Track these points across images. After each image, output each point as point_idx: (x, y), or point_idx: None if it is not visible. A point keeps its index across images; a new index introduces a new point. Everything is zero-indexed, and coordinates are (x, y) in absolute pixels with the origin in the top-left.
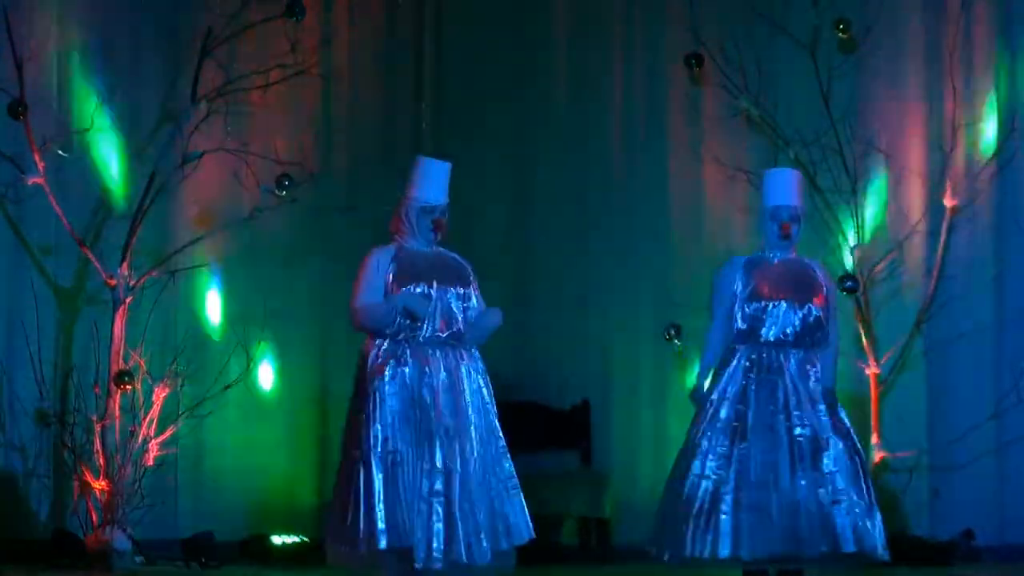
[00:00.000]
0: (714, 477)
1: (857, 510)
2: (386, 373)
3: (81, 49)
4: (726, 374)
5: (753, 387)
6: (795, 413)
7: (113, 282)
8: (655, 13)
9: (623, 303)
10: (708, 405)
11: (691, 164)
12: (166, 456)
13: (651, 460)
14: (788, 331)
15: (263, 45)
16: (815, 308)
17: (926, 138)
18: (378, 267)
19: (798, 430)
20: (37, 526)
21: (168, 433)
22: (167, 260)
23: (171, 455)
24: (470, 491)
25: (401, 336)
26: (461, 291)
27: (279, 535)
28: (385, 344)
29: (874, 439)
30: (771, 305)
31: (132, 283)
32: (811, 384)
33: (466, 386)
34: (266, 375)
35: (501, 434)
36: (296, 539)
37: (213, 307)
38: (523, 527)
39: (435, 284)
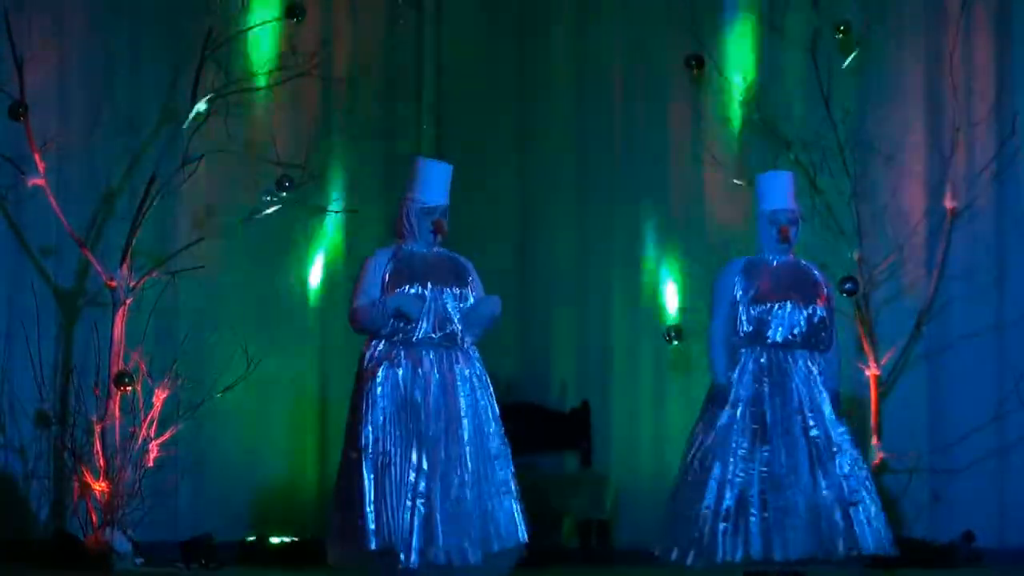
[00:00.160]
0: (739, 479)
1: (873, 510)
2: (379, 374)
3: (81, 50)
4: (733, 377)
5: (767, 390)
6: (809, 415)
7: (113, 283)
8: (655, 15)
9: (623, 304)
10: (720, 408)
11: (691, 166)
12: (166, 457)
13: (651, 461)
14: (795, 332)
15: (264, 46)
16: (819, 308)
17: (926, 140)
18: (376, 269)
19: (813, 431)
20: (37, 527)
21: (168, 434)
22: (167, 261)
23: (171, 456)
24: (454, 493)
25: (396, 337)
26: (457, 291)
27: (279, 536)
28: (380, 345)
29: (874, 441)
30: (776, 306)
31: (132, 284)
32: (818, 385)
33: (459, 388)
34: (266, 376)
35: (501, 438)
36: (296, 540)
37: (213, 308)
38: (514, 530)
39: (429, 285)
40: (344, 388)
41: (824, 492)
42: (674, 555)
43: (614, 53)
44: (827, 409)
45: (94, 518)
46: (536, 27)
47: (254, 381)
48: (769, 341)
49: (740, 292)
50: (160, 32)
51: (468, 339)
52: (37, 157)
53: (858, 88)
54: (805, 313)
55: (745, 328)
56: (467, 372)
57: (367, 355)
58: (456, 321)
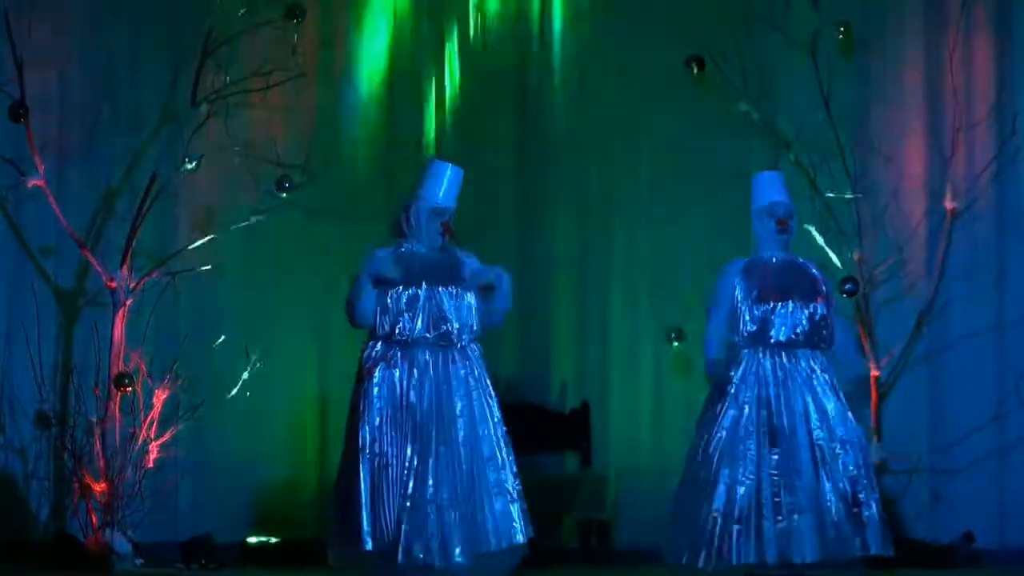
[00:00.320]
0: (748, 482)
1: (876, 509)
2: (375, 375)
3: (81, 50)
4: (736, 378)
5: (772, 392)
6: (813, 417)
7: (113, 284)
8: (655, 15)
9: (623, 304)
10: (725, 410)
11: (691, 167)
12: (166, 458)
13: (651, 461)
14: (798, 331)
15: (263, 47)
16: (820, 306)
17: (926, 140)
18: (375, 267)
19: (817, 433)
20: (37, 528)
21: (168, 435)
22: (167, 262)
23: (171, 457)
24: (446, 494)
25: (393, 338)
26: (454, 290)
27: (279, 536)
28: (378, 346)
29: (874, 441)
30: (779, 306)
31: (132, 285)
32: (820, 384)
33: (454, 389)
34: (266, 377)
35: (497, 439)
36: (296, 540)
37: (213, 309)
38: (509, 531)
39: (424, 285)
40: (344, 388)
41: (829, 496)
42: (685, 558)
43: (615, 53)
44: (831, 407)
45: (94, 519)
46: (536, 27)
47: (254, 382)
48: (772, 341)
49: (741, 293)
50: (160, 32)
51: (466, 337)
52: (37, 158)
53: (858, 88)
54: (807, 312)
55: (748, 328)
56: (463, 372)
57: (365, 355)
58: (451, 321)
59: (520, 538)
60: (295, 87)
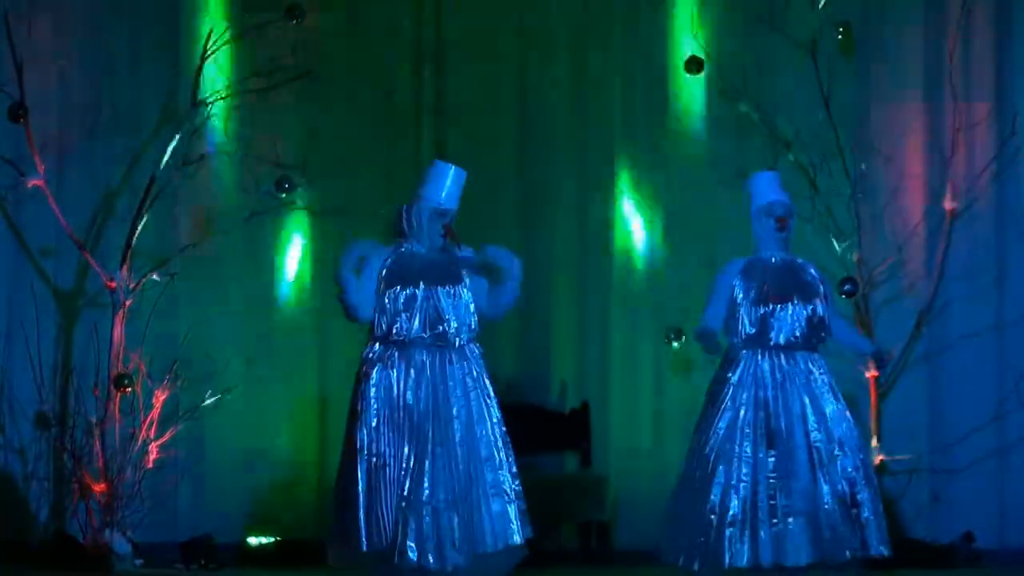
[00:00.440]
0: (744, 484)
1: (875, 509)
2: (373, 376)
3: (81, 50)
4: (733, 380)
5: (770, 394)
6: (811, 418)
7: (113, 284)
8: (655, 15)
9: (623, 305)
10: (722, 411)
11: (691, 167)
12: (166, 458)
13: (651, 462)
14: (797, 333)
15: (263, 48)
16: (819, 306)
17: (926, 140)
18: (373, 266)
19: (815, 435)
20: (37, 529)
21: (168, 435)
22: (167, 262)
23: (171, 457)
24: (442, 495)
25: (391, 338)
26: (451, 289)
27: (279, 537)
28: (376, 347)
29: (874, 442)
30: (778, 308)
31: (132, 286)
32: (819, 386)
33: (450, 390)
34: (266, 377)
35: (495, 440)
36: (296, 540)
37: (213, 309)
38: (504, 531)
39: (422, 285)
40: (344, 388)
41: (826, 498)
42: (681, 560)
43: (614, 53)
44: (829, 409)
45: (94, 519)
46: (536, 28)
47: (253, 382)
48: (771, 343)
49: (740, 294)
50: (160, 32)
51: (465, 336)
52: (37, 158)
53: (858, 88)
54: (806, 313)
55: (747, 330)
56: (460, 373)
57: (363, 356)
58: (449, 321)
59: (517, 539)
60: (295, 87)
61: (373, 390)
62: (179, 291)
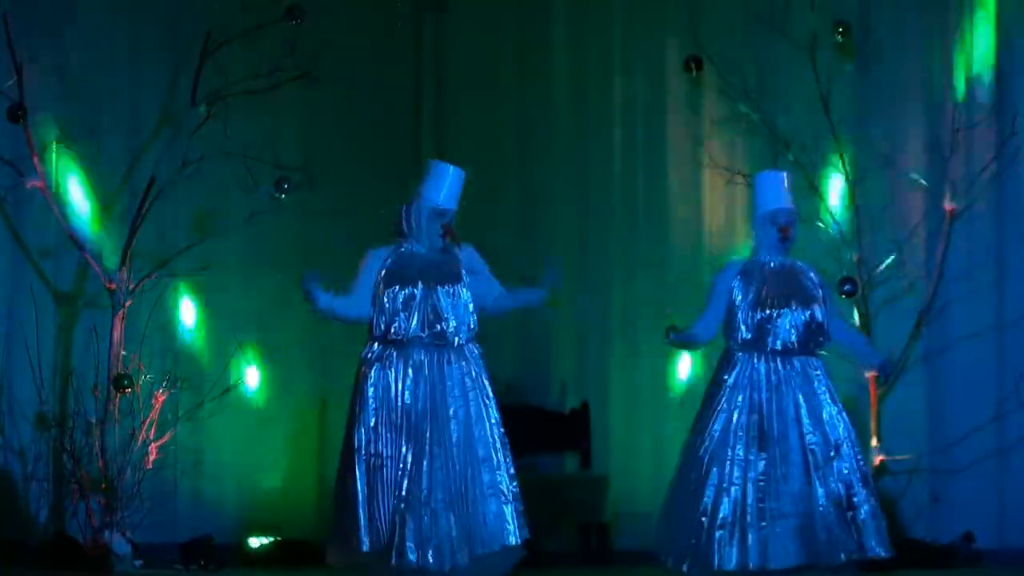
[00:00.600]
0: (735, 487)
1: (871, 511)
2: (371, 376)
3: (81, 51)
4: (729, 382)
5: (764, 396)
6: (806, 421)
7: (112, 286)
8: (655, 16)
9: (623, 305)
10: (716, 413)
11: (690, 167)
12: (165, 459)
13: (651, 463)
14: (794, 338)
15: (263, 48)
16: (817, 311)
17: (925, 141)
18: (371, 265)
19: (810, 438)
20: (36, 529)
21: (167, 436)
22: (166, 263)
23: (170, 458)
24: (440, 496)
25: (389, 338)
26: (451, 288)
27: (279, 537)
28: (375, 347)
29: (874, 442)
30: (776, 313)
31: (131, 287)
32: (816, 388)
33: (448, 390)
34: (265, 378)
35: (493, 440)
36: (295, 541)
37: (212, 310)
38: (501, 532)
39: (420, 285)
40: (344, 388)
41: (821, 501)
42: (671, 561)
43: (613, 54)
44: (826, 411)
45: (93, 520)
46: (536, 29)
47: (253, 383)
48: (768, 348)
49: (739, 296)
50: (160, 33)
51: (464, 336)
52: (36, 159)
53: (857, 88)
54: (803, 318)
55: (744, 335)
56: (458, 373)
57: (363, 356)
58: (448, 319)
59: (513, 540)
60: (295, 87)
61: (371, 390)
62: (178, 292)
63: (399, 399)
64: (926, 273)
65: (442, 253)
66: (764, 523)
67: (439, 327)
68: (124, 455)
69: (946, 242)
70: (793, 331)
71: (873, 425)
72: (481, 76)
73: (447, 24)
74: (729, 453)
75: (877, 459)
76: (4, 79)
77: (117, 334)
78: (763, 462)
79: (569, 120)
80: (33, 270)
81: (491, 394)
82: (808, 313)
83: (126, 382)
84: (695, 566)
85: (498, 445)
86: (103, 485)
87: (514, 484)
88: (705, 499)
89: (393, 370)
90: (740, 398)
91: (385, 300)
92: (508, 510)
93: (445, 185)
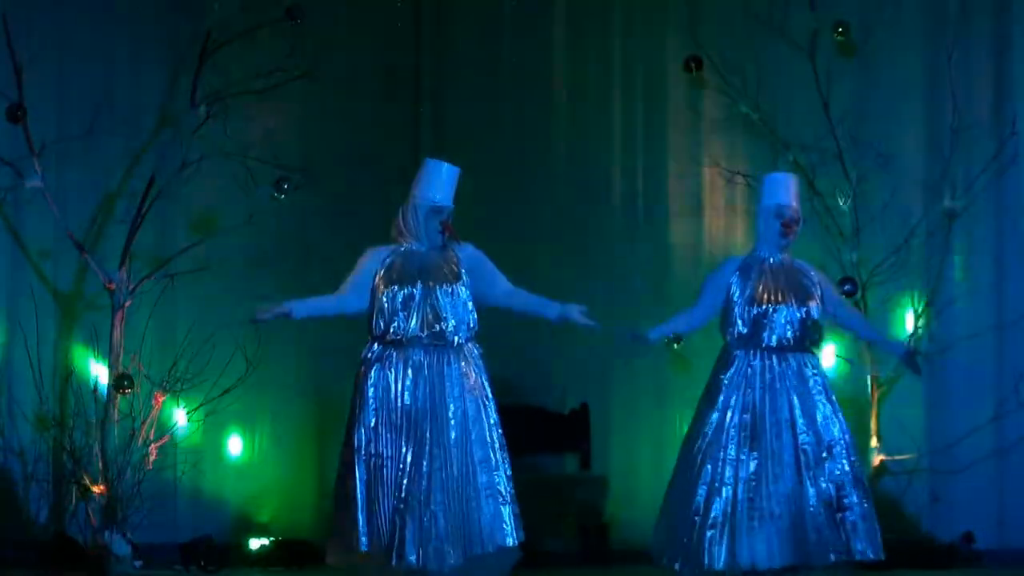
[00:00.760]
0: (727, 486)
1: (864, 513)
2: (371, 376)
3: (81, 51)
4: (725, 380)
5: (758, 396)
6: (799, 421)
7: (112, 286)
8: (655, 16)
9: (623, 306)
10: (711, 412)
11: (690, 167)
12: (165, 460)
13: (651, 464)
14: (789, 335)
15: (263, 48)
16: (813, 309)
17: (925, 141)
18: (370, 265)
19: (803, 438)
20: (37, 530)
21: (167, 437)
22: (166, 264)
23: (170, 459)
24: (437, 496)
25: (388, 338)
26: (450, 287)
27: (278, 537)
28: (375, 347)
29: (873, 442)
30: (772, 309)
31: (131, 287)
32: (811, 387)
33: (447, 390)
34: (265, 377)
35: (491, 441)
36: (296, 541)
37: (212, 310)
38: (497, 533)
39: (420, 285)
40: (343, 388)
41: (812, 501)
42: (665, 559)
43: (613, 54)
44: (820, 410)
45: (93, 521)
46: (535, 30)
47: (253, 383)
48: (764, 344)
49: (736, 292)
50: (160, 34)
51: (463, 334)
52: (36, 160)
53: (857, 89)
54: (799, 315)
55: (740, 330)
56: (457, 373)
57: (362, 356)
58: (447, 318)
59: (509, 541)
60: (295, 87)
61: (371, 390)
62: (178, 292)
63: (399, 399)
64: (926, 273)
65: (442, 251)
66: (754, 523)
67: (438, 327)
68: (124, 455)
69: (946, 242)
70: (788, 327)
71: (873, 425)
72: (481, 76)
73: (447, 24)
74: (721, 452)
75: (877, 459)
76: (4, 79)
77: (117, 334)
78: (755, 462)
79: (568, 120)
80: (33, 270)
81: (490, 395)
82: (804, 310)
83: (126, 383)
84: (687, 565)
85: (496, 446)
86: (103, 486)
87: (511, 485)
88: (697, 498)
89: (393, 370)
90: (734, 397)
91: (384, 300)
92: (505, 511)
93: (440, 182)
